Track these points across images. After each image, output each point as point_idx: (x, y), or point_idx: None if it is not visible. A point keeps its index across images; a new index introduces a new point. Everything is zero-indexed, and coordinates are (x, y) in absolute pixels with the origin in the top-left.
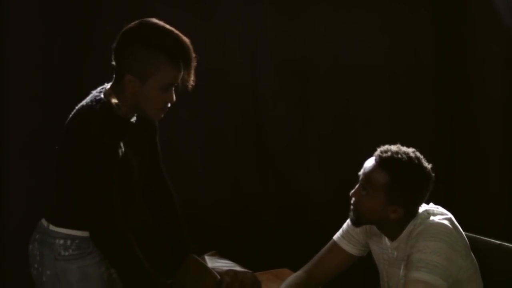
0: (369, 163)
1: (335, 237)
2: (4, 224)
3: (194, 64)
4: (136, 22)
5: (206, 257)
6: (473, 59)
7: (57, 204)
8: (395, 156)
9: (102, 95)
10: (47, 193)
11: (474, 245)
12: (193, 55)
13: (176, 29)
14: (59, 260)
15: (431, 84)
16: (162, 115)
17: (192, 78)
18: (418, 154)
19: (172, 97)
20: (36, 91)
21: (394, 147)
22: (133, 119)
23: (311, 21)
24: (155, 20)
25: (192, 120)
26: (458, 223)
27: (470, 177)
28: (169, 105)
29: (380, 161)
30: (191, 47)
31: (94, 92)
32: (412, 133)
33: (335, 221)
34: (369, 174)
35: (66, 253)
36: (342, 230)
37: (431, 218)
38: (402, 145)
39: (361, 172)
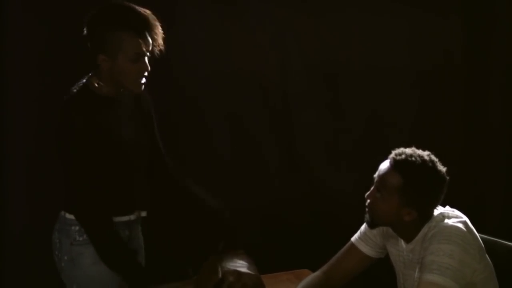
0: (384, 165)
1: (353, 238)
2: (4, 223)
3: (157, 32)
4: (97, 7)
5: (226, 255)
6: (501, 61)
7: (67, 193)
8: (409, 158)
9: (84, 80)
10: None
11: (492, 248)
12: (155, 23)
13: (207, 32)
14: (74, 245)
15: (460, 86)
16: (142, 86)
17: (159, 45)
18: (433, 157)
19: (146, 67)
20: (36, 91)
21: (408, 150)
22: (121, 97)
23: (341, 23)
24: (113, 1)
25: (222, 122)
26: (490, 227)
27: (502, 180)
28: (145, 74)
29: (394, 164)
30: (151, 17)
31: (81, 79)
32: (441, 135)
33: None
34: (383, 176)
35: (81, 239)
36: (360, 232)
37: (446, 221)
38: (432, 147)
39: (376, 175)
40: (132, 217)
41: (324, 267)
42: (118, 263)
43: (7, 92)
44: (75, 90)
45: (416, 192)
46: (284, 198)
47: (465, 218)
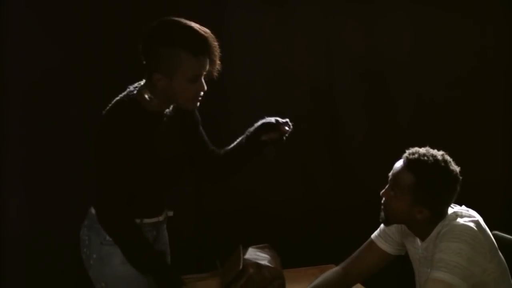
0: (398, 164)
1: (372, 235)
2: (4, 223)
3: (215, 53)
4: (156, 21)
5: (251, 249)
6: None
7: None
8: (422, 158)
9: (135, 91)
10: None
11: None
12: (214, 44)
13: (255, 33)
14: (104, 244)
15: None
16: (198, 104)
17: (216, 67)
18: (446, 157)
19: (202, 87)
20: (36, 91)
21: (422, 150)
22: (167, 111)
23: (385, 22)
24: (173, 18)
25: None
26: None
27: None
28: (201, 93)
29: (407, 163)
30: (210, 37)
31: (130, 88)
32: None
33: None
34: (397, 175)
35: (111, 238)
36: (379, 229)
37: (458, 219)
38: (477, 148)
39: (390, 173)
40: (161, 218)
41: (344, 263)
42: (145, 264)
43: (7, 92)
44: (125, 99)
45: (428, 191)
46: (322, 193)
47: (477, 218)
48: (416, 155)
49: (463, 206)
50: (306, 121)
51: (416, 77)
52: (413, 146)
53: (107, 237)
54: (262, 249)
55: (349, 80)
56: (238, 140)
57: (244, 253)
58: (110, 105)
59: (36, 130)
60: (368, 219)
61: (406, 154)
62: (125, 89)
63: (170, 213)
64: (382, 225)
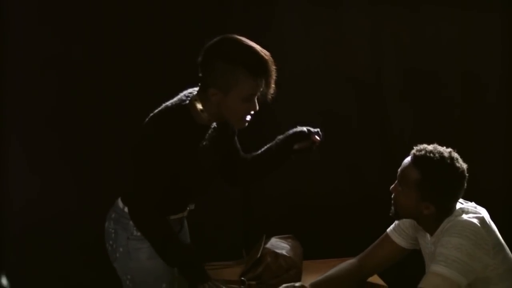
0: (406, 160)
1: (388, 229)
2: (4, 223)
3: (273, 77)
4: (218, 38)
5: (273, 238)
6: None
7: (129, 188)
8: (428, 154)
9: (187, 100)
10: (124, 176)
11: None
12: (272, 68)
13: (305, 32)
14: (131, 239)
15: None
16: (246, 124)
17: (271, 90)
18: (453, 154)
19: (254, 106)
20: (36, 91)
21: (430, 147)
22: (214, 124)
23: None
24: (235, 36)
25: (319, 118)
26: None
27: None
28: (252, 113)
29: (414, 159)
30: (270, 61)
31: (182, 95)
32: None
33: None
34: (404, 171)
35: (138, 234)
36: (395, 224)
37: (463, 216)
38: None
39: (399, 169)
40: (185, 213)
41: (360, 255)
42: (175, 259)
43: (7, 91)
44: (175, 107)
45: (433, 187)
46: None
47: (483, 214)
48: (423, 152)
49: (472, 203)
50: (355, 120)
51: (466, 75)
52: (462, 145)
53: (135, 232)
54: (285, 239)
55: (398, 79)
56: (267, 146)
57: (266, 243)
58: (159, 109)
59: (37, 126)
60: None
61: (413, 151)
62: (126, 85)
63: (192, 207)
64: (396, 220)
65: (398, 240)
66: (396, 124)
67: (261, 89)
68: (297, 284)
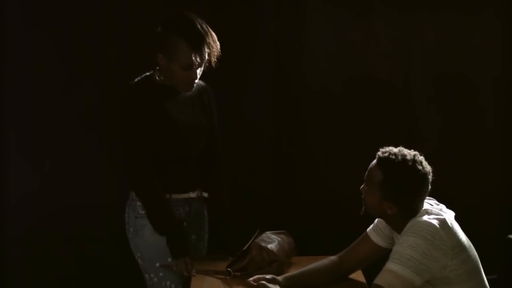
0: (372, 162)
1: (368, 229)
2: (4, 222)
3: (210, 50)
4: (175, 11)
5: (266, 233)
6: None
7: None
8: (391, 156)
9: (148, 73)
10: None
11: None
12: (209, 41)
13: (335, 38)
14: (138, 218)
15: None
16: (191, 89)
17: (213, 60)
18: (418, 157)
19: (194, 75)
20: (36, 91)
21: (395, 149)
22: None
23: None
24: (187, 12)
25: (343, 120)
26: None
27: None
28: (196, 80)
29: (378, 160)
30: (207, 37)
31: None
32: None
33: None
34: (369, 171)
35: (143, 212)
36: (374, 223)
37: (424, 216)
38: None
39: (367, 170)
40: (192, 195)
41: (341, 253)
42: (159, 224)
43: (7, 91)
44: (139, 78)
45: (394, 188)
46: None
47: (444, 216)
48: (387, 154)
49: (441, 205)
50: (382, 124)
51: (498, 80)
52: (491, 151)
53: (140, 211)
54: (277, 234)
55: (428, 83)
56: (220, 197)
57: (258, 237)
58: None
59: (36, 129)
60: None
61: (379, 152)
62: (125, 84)
63: (205, 194)
64: (376, 219)
65: (376, 239)
66: (424, 129)
67: (202, 61)
68: (267, 276)
